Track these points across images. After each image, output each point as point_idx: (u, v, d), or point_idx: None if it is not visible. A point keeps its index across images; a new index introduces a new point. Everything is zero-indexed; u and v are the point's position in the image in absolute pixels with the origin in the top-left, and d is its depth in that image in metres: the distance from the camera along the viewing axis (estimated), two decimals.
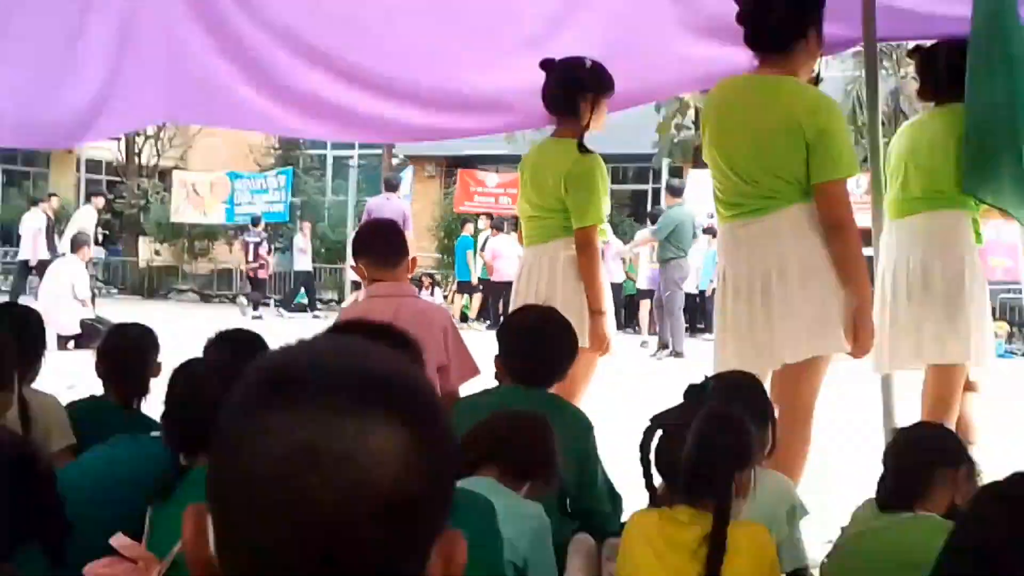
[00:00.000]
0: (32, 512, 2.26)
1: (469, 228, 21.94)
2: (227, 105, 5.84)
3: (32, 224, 18.24)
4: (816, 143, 4.04)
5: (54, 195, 18.75)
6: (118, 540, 2.53)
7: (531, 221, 4.99)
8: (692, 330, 18.19)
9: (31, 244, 18.07)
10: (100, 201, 20.65)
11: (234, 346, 3.85)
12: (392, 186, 17.94)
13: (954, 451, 3.12)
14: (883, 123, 4.70)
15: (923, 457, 3.06)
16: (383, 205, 16.23)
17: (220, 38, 5.47)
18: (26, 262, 18.34)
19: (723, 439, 2.77)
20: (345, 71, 5.38)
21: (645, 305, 18.90)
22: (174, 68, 5.63)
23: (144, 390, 3.93)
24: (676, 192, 16.64)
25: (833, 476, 4.34)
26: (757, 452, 2.88)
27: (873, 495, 3.11)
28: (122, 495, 2.90)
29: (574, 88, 4.78)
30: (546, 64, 4.76)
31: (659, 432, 2.95)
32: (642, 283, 19.18)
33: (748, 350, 4.21)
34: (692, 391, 2.99)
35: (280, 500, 0.94)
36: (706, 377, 3.21)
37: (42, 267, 16.21)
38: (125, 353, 3.95)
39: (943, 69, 4.46)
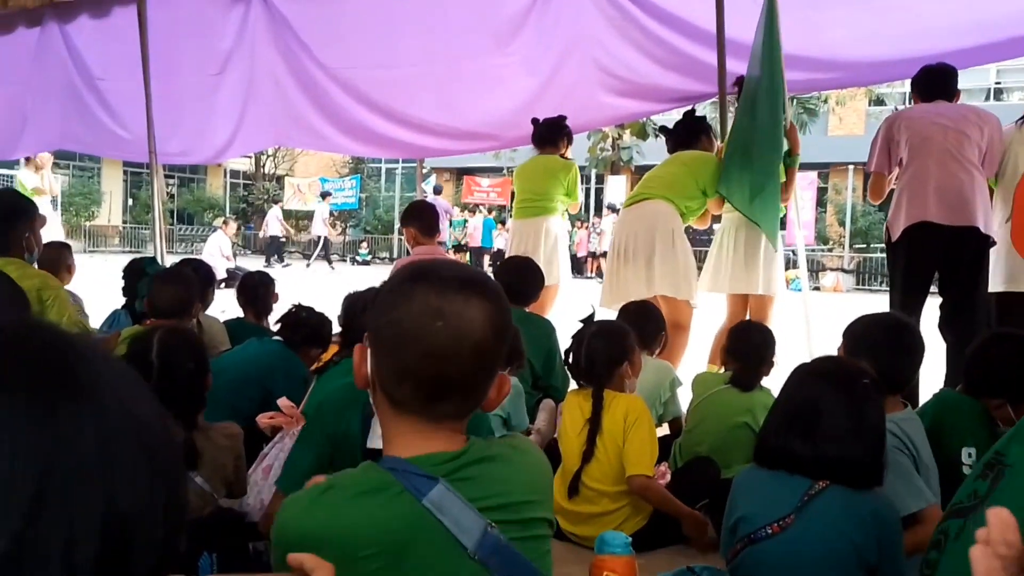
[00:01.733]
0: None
1: (492, 213, 21.29)
2: (310, 134, 5.79)
3: (215, 243, 14.27)
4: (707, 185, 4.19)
5: (228, 221, 15.33)
6: (283, 401, 2.44)
7: (521, 205, 4.92)
8: None
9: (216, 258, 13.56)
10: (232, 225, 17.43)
11: None
12: (438, 191, 18.52)
13: (773, 349, 3.05)
14: None
15: (758, 353, 3.01)
16: (434, 202, 16.33)
17: (307, 89, 5.46)
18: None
19: (601, 345, 2.70)
20: (383, 110, 5.36)
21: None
22: (279, 109, 5.61)
23: (268, 312, 3.85)
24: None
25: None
26: (632, 352, 2.74)
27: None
28: (256, 374, 2.84)
29: (557, 132, 4.81)
30: (535, 121, 4.83)
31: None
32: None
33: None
34: (586, 318, 2.89)
35: (416, 336, 1.07)
36: (592, 306, 3.16)
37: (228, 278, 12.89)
38: (255, 289, 3.86)
39: None
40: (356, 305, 2.60)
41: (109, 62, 5.92)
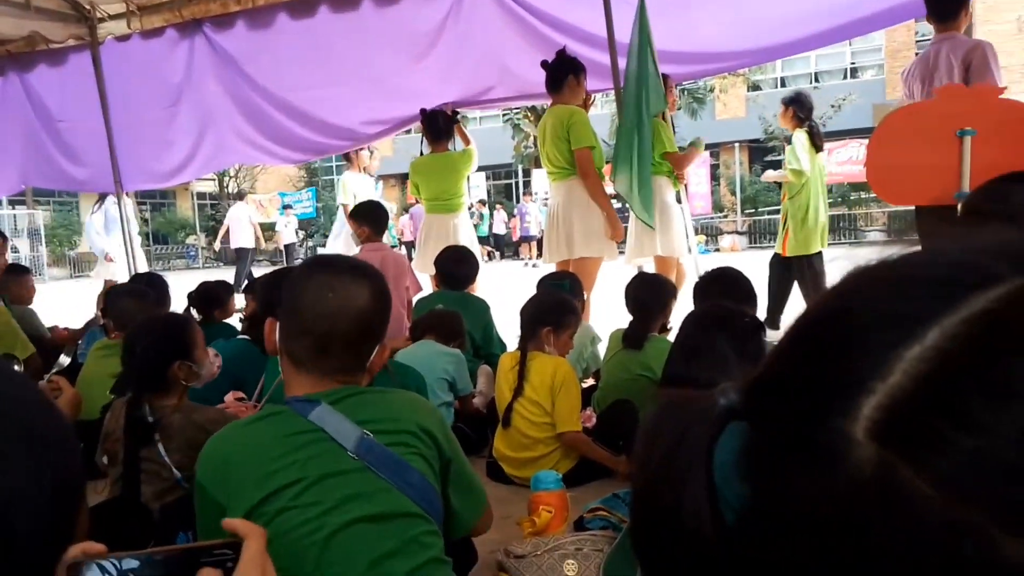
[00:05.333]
0: None
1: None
2: (255, 148, 5.54)
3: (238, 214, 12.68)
4: (570, 131, 3.96)
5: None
6: (231, 396, 2.41)
7: (432, 203, 4.74)
8: None
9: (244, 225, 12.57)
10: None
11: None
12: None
13: (665, 298, 3.07)
14: None
15: (649, 304, 3.00)
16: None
17: (249, 111, 5.35)
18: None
19: (532, 311, 2.78)
20: (316, 123, 5.28)
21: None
22: (224, 131, 5.46)
23: (228, 313, 3.79)
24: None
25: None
26: (566, 316, 2.78)
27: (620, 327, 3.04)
28: (225, 367, 2.77)
29: (449, 127, 4.70)
30: (424, 111, 4.73)
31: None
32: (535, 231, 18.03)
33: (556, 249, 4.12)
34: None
35: (312, 302, 1.28)
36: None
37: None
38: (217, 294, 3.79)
39: None
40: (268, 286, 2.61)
41: (68, 104, 5.71)
